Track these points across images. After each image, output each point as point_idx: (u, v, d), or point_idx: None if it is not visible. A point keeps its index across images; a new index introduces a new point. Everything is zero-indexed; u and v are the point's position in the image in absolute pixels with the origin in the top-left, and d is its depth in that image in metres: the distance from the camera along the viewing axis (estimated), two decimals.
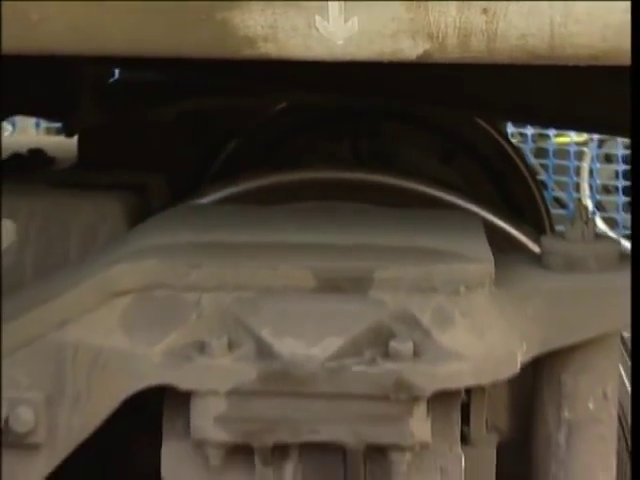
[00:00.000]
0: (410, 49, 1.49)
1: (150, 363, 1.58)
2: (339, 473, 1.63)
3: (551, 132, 6.19)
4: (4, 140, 4.94)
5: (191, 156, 2.90)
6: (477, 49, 1.48)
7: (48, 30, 1.55)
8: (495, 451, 1.80)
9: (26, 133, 6.07)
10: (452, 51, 1.48)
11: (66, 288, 1.65)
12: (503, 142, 3.83)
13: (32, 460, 1.64)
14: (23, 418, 1.60)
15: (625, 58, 1.47)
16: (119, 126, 3.06)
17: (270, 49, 1.51)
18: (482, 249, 1.72)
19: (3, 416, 1.59)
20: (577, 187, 6.30)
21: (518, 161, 3.84)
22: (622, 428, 1.91)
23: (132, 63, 3.07)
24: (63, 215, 1.96)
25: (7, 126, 6.37)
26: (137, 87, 3.51)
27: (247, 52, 1.52)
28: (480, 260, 1.67)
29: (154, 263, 1.64)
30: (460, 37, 1.48)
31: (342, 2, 1.49)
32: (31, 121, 6.25)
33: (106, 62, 3.09)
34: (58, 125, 5.79)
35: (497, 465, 1.80)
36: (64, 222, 1.96)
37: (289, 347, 1.56)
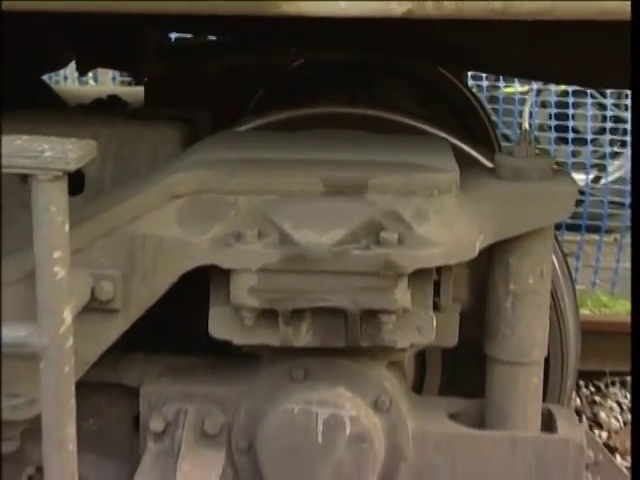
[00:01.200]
0: (397, 8, 1.45)
1: (199, 248, 1.59)
2: (341, 331, 1.64)
3: (501, 84, 6.18)
4: (89, 90, 4.91)
5: (230, 99, 2.86)
6: (448, 7, 1.44)
7: None
8: (458, 316, 1.80)
9: (105, 84, 6.01)
10: (429, 9, 1.45)
11: (136, 193, 1.65)
12: (465, 91, 3.79)
13: (111, 321, 1.65)
14: (105, 289, 1.61)
15: (560, 14, 1.44)
16: (176, 76, 3.03)
17: (290, 8, 1.48)
18: (450, 164, 1.71)
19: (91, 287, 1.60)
20: (520, 126, 6.28)
21: (476, 105, 3.80)
22: (553, 299, 1.90)
23: (185, 26, 3.05)
24: (133, 140, 1.95)
25: (91, 80, 6.33)
26: (190, 46, 3.49)
27: (272, 11, 1.49)
28: (449, 171, 1.66)
29: (202, 173, 1.64)
30: None
31: None
32: (109, 76, 6.19)
33: (162, 25, 3.06)
34: (129, 79, 5.76)
35: (460, 327, 1.81)
36: (134, 145, 1.95)
37: (304, 236, 1.56)
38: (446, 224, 1.60)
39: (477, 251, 1.64)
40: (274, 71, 3.33)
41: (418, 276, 1.59)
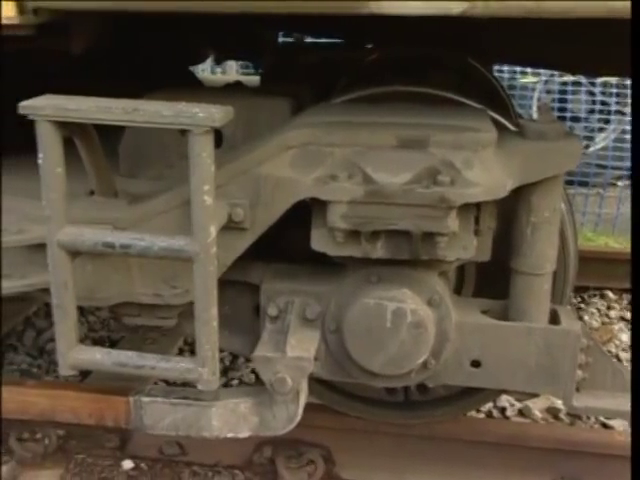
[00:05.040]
0: (455, 7, 1.38)
1: (306, 185, 1.56)
2: (406, 247, 1.60)
3: (518, 76, 5.96)
4: (221, 77, 4.86)
5: (324, 82, 2.79)
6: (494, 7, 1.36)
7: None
8: (491, 238, 1.75)
9: (230, 74, 5.94)
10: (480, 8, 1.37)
11: (260, 146, 1.62)
12: (492, 79, 3.62)
13: (242, 237, 1.64)
14: (238, 214, 1.60)
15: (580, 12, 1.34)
16: (283, 66, 2.97)
17: (372, 7, 1.41)
18: (489, 127, 1.63)
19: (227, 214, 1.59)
20: (530, 106, 6.07)
21: (500, 90, 3.63)
22: (560, 228, 1.81)
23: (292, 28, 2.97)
24: (257, 109, 1.90)
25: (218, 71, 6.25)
26: (292, 45, 3.42)
27: (356, 11, 1.42)
28: (488, 132, 1.59)
29: (308, 131, 1.60)
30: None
31: None
32: (233, 69, 6.11)
33: (275, 28, 3.00)
34: (247, 71, 5.67)
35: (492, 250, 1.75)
36: (257, 112, 1.90)
37: (382, 177, 1.52)
38: (486, 171, 1.54)
39: (507, 192, 1.58)
40: (354, 62, 3.22)
41: (464, 208, 1.54)
